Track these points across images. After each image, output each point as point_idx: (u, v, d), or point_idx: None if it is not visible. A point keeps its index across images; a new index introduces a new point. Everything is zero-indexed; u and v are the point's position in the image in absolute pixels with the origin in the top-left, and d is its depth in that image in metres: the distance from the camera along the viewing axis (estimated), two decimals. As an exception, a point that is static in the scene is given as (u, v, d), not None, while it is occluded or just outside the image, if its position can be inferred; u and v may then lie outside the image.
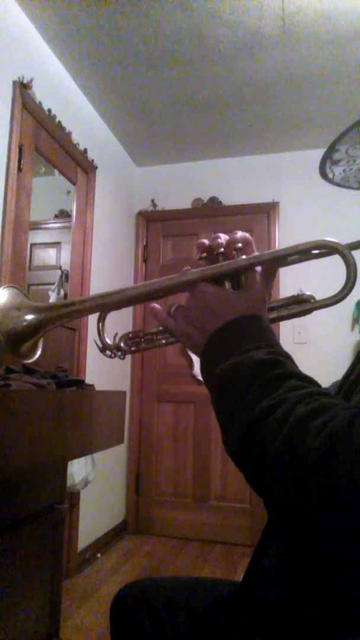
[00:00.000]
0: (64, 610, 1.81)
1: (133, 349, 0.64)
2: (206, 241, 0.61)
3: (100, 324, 0.63)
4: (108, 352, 0.63)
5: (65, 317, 0.62)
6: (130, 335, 0.64)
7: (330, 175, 0.72)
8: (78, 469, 2.12)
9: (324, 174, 0.72)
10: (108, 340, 0.63)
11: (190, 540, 2.91)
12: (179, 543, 2.87)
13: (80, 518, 2.43)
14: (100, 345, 0.63)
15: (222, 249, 0.59)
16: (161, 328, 0.64)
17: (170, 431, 3.11)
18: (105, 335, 0.63)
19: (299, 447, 0.41)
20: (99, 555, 2.63)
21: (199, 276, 0.59)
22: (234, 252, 0.60)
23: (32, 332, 0.60)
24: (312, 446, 0.40)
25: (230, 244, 0.60)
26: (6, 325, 0.57)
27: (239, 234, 0.61)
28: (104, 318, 0.63)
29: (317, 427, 0.41)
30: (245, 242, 0.60)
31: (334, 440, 0.40)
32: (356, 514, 0.38)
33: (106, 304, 0.61)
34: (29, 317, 0.59)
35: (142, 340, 0.64)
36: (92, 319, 0.62)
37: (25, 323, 0.59)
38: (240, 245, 0.59)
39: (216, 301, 0.57)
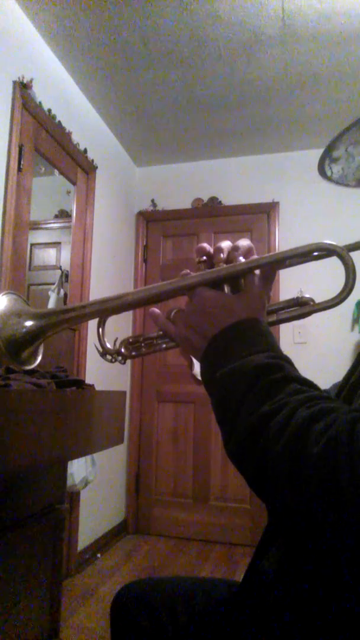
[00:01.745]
0: (64, 610, 1.81)
1: (133, 353, 0.64)
2: (206, 246, 0.61)
3: (100, 329, 0.63)
4: (109, 357, 0.63)
5: (65, 323, 0.62)
6: (130, 340, 0.64)
7: (329, 173, 0.72)
8: (78, 469, 2.12)
9: (322, 172, 0.72)
10: (109, 345, 0.63)
11: (190, 540, 2.91)
12: (179, 543, 2.88)
13: (80, 518, 2.44)
14: (100, 350, 0.63)
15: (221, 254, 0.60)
16: (161, 332, 0.64)
17: (170, 431, 3.11)
18: (105, 339, 0.63)
19: (300, 451, 0.41)
20: (99, 555, 2.63)
21: (199, 280, 0.59)
22: (233, 256, 0.60)
23: (32, 338, 0.60)
24: (313, 450, 0.40)
25: (232, 250, 0.60)
26: (6, 332, 0.57)
27: (243, 243, 0.61)
28: (104, 323, 0.63)
29: (318, 431, 0.41)
30: (247, 251, 0.61)
31: (336, 444, 0.40)
32: (358, 516, 0.38)
33: (106, 309, 0.61)
34: (29, 323, 0.59)
35: (143, 344, 0.64)
36: (94, 319, 0.62)
37: (25, 330, 0.59)
38: (241, 252, 0.60)
39: (215, 305, 0.57)
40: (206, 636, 0.74)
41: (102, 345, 0.63)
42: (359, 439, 0.39)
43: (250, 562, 0.72)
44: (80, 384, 1.40)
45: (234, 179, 3.19)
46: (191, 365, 0.66)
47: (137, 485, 3.10)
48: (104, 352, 0.63)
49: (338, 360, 2.76)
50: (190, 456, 3.05)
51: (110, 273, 2.88)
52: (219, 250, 0.60)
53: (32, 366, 0.59)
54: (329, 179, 0.73)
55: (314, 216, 3.01)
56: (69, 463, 1.98)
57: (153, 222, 3.30)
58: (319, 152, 0.69)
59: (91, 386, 1.46)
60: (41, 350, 0.62)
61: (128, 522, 3.07)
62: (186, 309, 0.60)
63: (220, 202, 3.18)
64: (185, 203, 3.23)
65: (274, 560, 0.66)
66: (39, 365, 0.61)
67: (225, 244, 0.61)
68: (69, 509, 2.26)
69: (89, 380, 1.92)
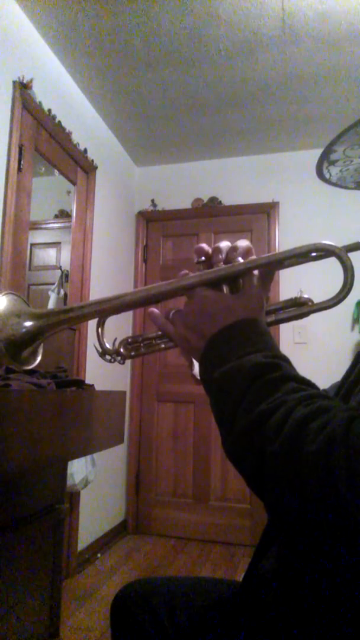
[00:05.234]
0: (64, 610, 1.81)
1: (132, 353, 0.64)
2: (205, 246, 0.61)
3: (99, 329, 0.63)
4: (108, 357, 0.63)
5: (64, 323, 0.62)
6: (129, 340, 0.64)
7: (327, 176, 0.72)
8: (78, 469, 2.12)
9: (320, 174, 0.73)
10: (108, 345, 0.64)
11: (190, 540, 2.91)
12: (179, 543, 2.88)
13: (80, 518, 2.44)
14: (99, 350, 0.63)
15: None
16: (160, 332, 0.64)
17: (170, 431, 3.11)
18: (104, 339, 0.63)
19: (297, 449, 0.41)
20: (99, 555, 2.63)
21: (197, 281, 0.59)
22: (232, 256, 0.60)
23: (31, 338, 0.60)
24: (310, 448, 0.40)
25: (231, 251, 0.60)
26: (6, 333, 0.57)
27: (242, 243, 0.61)
28: (103, 323, 0.63)
29: (315, 429, 0.41)
30: (246, 251, 0.61)
31: (333, 442, 0.40)
32: (355, 515, 0.38)
33: (105, 310, 0.61)
34: (28, 323, 0.59)
35: (142, 345, 0.64)
36: (93, 319, 0.63)
37: (24, 330, 0.59)
38: (239, 253, 0.60)
39: (214, 305, 0.57)
40: (206, 636, 0.74)
41: (101, 345, 0.63)
42: (355, 436, 0.39)
43: (250, 562, 0.72)
44: (80, 384, 1.41)
45: (234, 179, 3.19)
46: (191, 365, 0.66)
47: (137, 485, 3.10)
48: (103, 352, 0.63)
49: (338, 360, 2.76)
50: (190, 456, 3.05)
51: (110, 273, 2.88)
52: (217, 250, 0.60)
53: (32, 366, 0.59)
54: (327, 181, 0.73)
55: (313, 216, 3.01)
56: (69, 463, 1.98)
57: (153, 222, 3.30)
58: (319, 152, 0.69)
59: (91, 386, 1.46)
60: (41, 350, 0.62)
61: (128, 522, 3.07)
62: (185, 309, 0.60)
63: (220, 202, 3.18)
64: (185, 203, 3.23)
65: (274, 560, 0.66)
66: (38, 365, 0.61)
67: (224, 244, 0.61)
68: (69, 509, 2.26)
69: (89, 380, 1.92)
